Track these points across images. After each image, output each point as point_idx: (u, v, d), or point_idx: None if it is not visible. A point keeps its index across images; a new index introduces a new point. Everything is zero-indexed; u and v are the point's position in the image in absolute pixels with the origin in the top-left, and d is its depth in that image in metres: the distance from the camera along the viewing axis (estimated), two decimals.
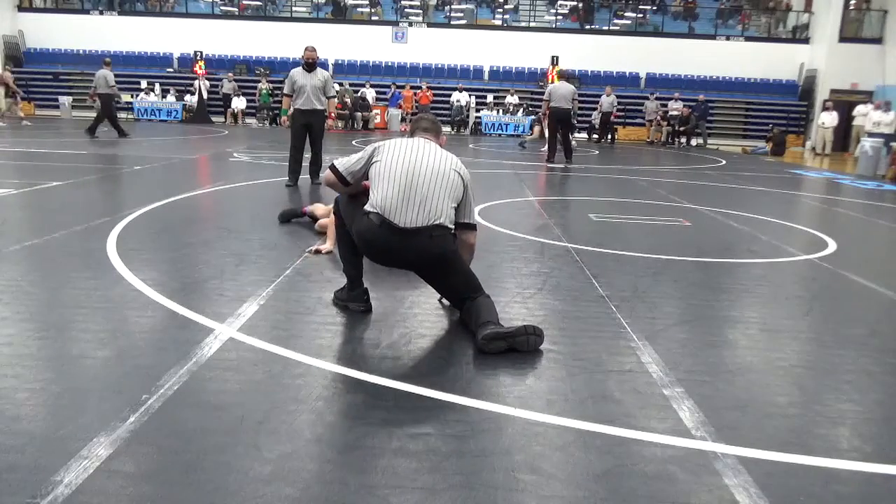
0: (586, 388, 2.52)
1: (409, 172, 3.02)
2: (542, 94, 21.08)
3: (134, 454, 1.91)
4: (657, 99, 20.59)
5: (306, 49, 7.76)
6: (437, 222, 3.00)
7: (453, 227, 3.10)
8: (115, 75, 13.56)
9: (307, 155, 7.87)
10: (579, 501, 1.80)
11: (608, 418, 2.26)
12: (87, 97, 17.76)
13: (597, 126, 19.78)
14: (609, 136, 19.80)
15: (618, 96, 21.93)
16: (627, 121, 21.97)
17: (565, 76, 12.38)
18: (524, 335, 2.80)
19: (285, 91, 7.83)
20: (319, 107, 7.75)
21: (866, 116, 15.72)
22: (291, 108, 7.81)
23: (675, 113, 19.76)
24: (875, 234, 6.74)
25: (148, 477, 1.82)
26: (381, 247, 3.05)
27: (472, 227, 3.27)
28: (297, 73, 7.71)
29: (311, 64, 7.71)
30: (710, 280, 4.39)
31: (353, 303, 3.29)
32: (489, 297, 3.09)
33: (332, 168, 3.23)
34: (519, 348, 2.79)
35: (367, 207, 3.05)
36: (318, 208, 5.23)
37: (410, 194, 2.99)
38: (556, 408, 2.33)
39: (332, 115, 8.52)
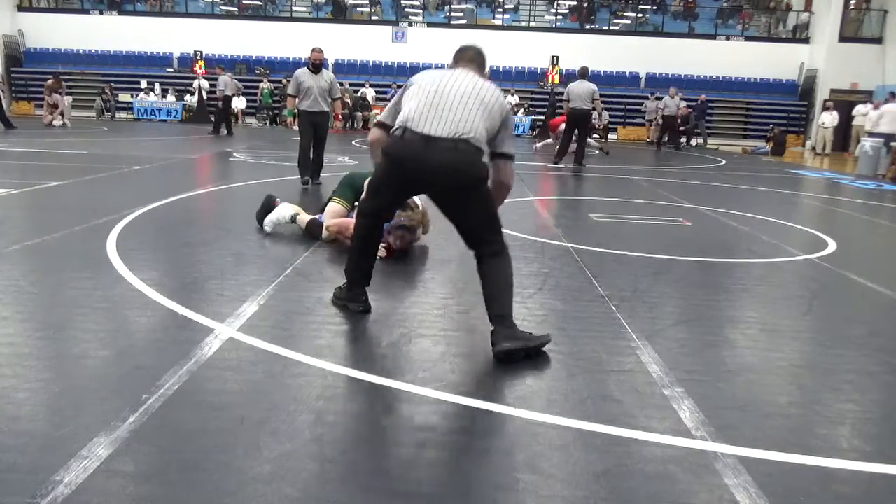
0: (586, 388, 2.52)
1: (440, 88, 2.87)
2: (543, 93, 21.20)
3: (134, 454, 1.91)
4: (657, 99, 20.60)
5: (313, 50, 7.74)
6: (465, 136, 2.77)
7: (485, 151, 2.88)
8: (116, 75, 13.60)
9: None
10: (579, 501, 1.80)
11: (608, 418, 2.26)
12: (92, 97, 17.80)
13: (652, 128, 19.02)
14: (684, 141, 18.71)
15: (618, 96, 21.97)
16: (627, 121, 21.97)
17: (584, 75, 11.50)
18: (538, 345, 2.78)
19: (290, 92, 7.80)
20: (325, 108, 7.79)
21: (866, 116, 15.71)
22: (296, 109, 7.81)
23: (668, 112, 18.97)
24: (875, 234, 6.74)
25: (148, 477, 1.82)
26: (404, 159, 2.86)
27: (509, 157, 3.01)
28: (303, 74, 7.70)
29: (317, 65, 7.70)
30: (710, 280, 4.39)
31: (353, 303, 3.26)
32: (507, 258, 2.95)
33: (375, 123, 3.17)
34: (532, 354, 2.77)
35: (397, 122, 2.92)
36: (329, 213, 4.86)
37: (438, 102, 2.83)
38: (556, 408, 2.33)
39: (339, 115, 8.54)
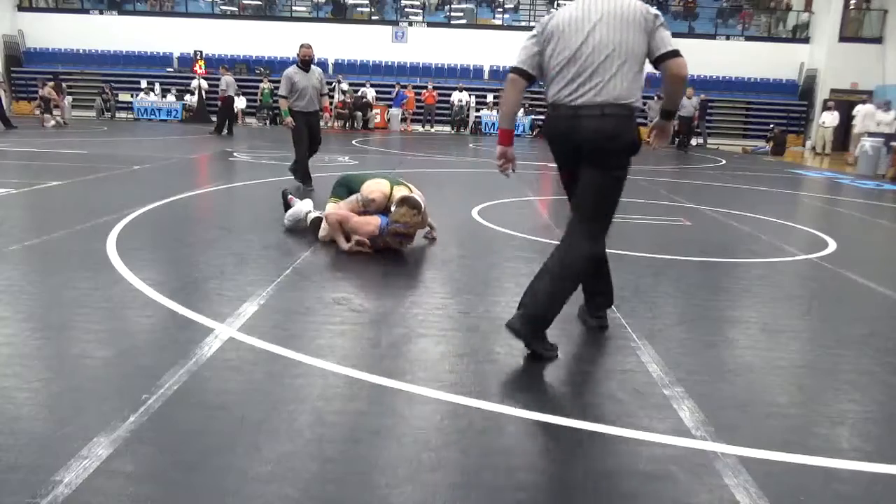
0: (586, 388, 2.51)
1: (576, 54, 2.78)
2: (543, 93, 21.16)
3: (134, 454, 1.91)
4: (660, 99, 20.56)
5: (302, 46, 7.49)
6: (610, 100, 2.75)
7: (634, 111, 2.85)
8: (116, 75, 13.62)
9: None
10: (579, 501, 1.80)
11: (608, 418, 2.26)
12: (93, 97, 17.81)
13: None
14: (696, 141, 18.58)
15: None
16: None
17: None
18: (536, 349, 2.79)
19: (282, 93, 7.51)
20: (318, 107, 7.66)
21: (869, 116, 15.71)
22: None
23: (685, 113, 18.81)
24: (875, 234, 6.74)
25: (148, 477, 1.82)
26: (558, 135, 2.88)
27: (674, 52, 2.85)
28: (295, 73, 7.44)
29: (307, 62, 7.48)
30: (710, 280, 4.38)
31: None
32: (583, 253, 2.89)
33: (512, 69, 2.94)
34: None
35: (548, 101, 2.93)
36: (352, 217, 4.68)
37: (579, 71, 2.78)
38: (556, 408, 2.32)
39: (329, 111, 8.30)
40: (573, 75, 2.80)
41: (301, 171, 7.63)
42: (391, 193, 4.53)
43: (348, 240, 4.42)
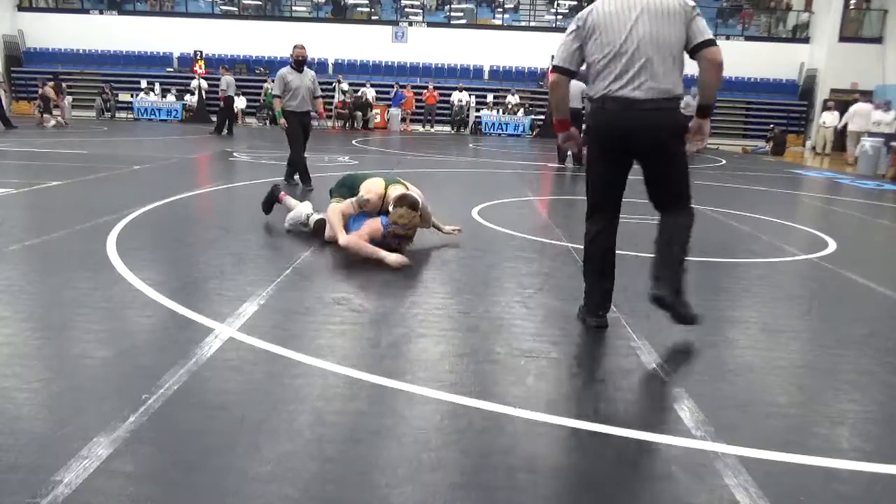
0: (586, 387, 2.52)
1: (622, 48, 2.84)
2: (543, 93, 21.18)
3: (134, 454, 1.91)
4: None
5: (296, 47, 7.54)
6: (663, 95, 2.87)
7: (680, 102, 2.99)
8: (116, 75, 13.61)
9: (281, 154, 7.72)
10: (579, 501, 1.80)
11: (608, 418, 2.26)
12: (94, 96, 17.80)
13: None
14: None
15: None
16: None
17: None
18: (681, 310, 2.97)
19: (276, 92, 7.54)
20: (312, 108, 7.66)
21: (861, 115, 15.71)
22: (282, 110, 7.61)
23: (691, 113, 19.07)
24: (875, 234, 6.74)
25: (148, 477, 1.82)
26: (609, 128, 2.93)
27: (712, 41, 2.92)
28: (289, 73, 7.48)
29: (300, 62, 7.51)
30: (710, 280, 4.38)
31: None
32: (689, 221, 3.13)
33: (554, 69, 3.02)
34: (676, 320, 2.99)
35: (592, 97, 2.97)
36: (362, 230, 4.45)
37: (627, 66, 2.84)
38: (556, 408, 2.33)
39: (322, 113, 8.29)
40: (622, 69, 2.85)
41: (300, 171, 7.63)
42: (386, 193, 4.49)
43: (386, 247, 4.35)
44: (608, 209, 3.15)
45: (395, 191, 4.48)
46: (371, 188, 4.52)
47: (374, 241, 4.30)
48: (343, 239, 4.28)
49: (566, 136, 3.25)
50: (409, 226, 4.26)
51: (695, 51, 2.92)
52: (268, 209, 5.39)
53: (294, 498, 1.75)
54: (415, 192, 4.52)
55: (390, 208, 4.32)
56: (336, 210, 4.47)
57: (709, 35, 2.91)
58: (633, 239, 5.45)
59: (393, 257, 4.14)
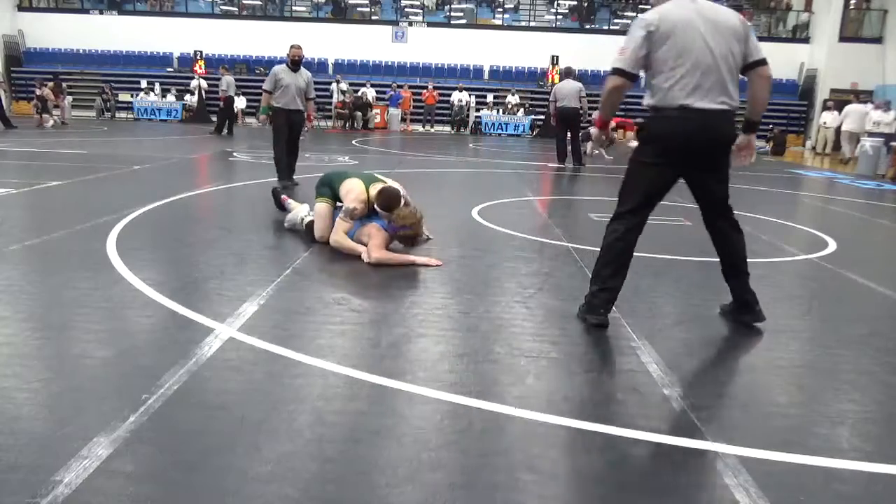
0: (586, 388, 2.51)
1: (696, 59, 2.89)
2: (543, 93, 21.18)
3: (134, 454, 1.91)
4: None
5: (292, 47, 7.56)
6: (732, 107, 2.99)
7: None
8: (116, 75, 13.63)
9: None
10: (579, 501, 1.80)
11: (608, 418, 2.26)
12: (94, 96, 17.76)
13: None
14: None
15: None
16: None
17: (570, 74, 11.33)
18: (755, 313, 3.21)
19: (266, 87, 7.53)
20: (302, 107, 7.64)
21: (856, 114, 15.71)
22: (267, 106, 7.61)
23: None
24: (875, 234, 6.74)
25: (148, 477, 1.82)
26: (679, 136, 2.97)
27: (765, 60, 3.05)
28: (282, 70, 7.51)
29: (296, 62, 7.53)
30: (710, 280, 4.37)
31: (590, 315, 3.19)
32: (743, 236, 3.27)
33: (615, 71, 2.98)
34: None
35: (658, 105, 2.97)
36: (367, 236, 4.36)
37: (702, 78, 2.90)
38: (556, 408, 2.32)
39: (312, 116, 8.28)
40: (699, 81, 2.90)
41: (280, 168, 7.62)
42: (368, 195, 4.41)
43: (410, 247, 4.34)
44: (645, 214, 3.17)
45: (376, 189, 4.41)
46: (354, 196, 4.38)
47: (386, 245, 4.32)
48: (372, 256, 4.17)
49: (599, 135, 3.30)
50: (416, 224, 4.24)
51: (749, 67, 3.02)
52: (281, 207, 5.40)
53: (294, 498, 1.75)
54: (393, 184, 4.51)
55: (376, 206, 4.31)
56: (339, 232, 4.37)
57: (763, 53, 3.02)
58: None
59: (424, 259, 4.22)
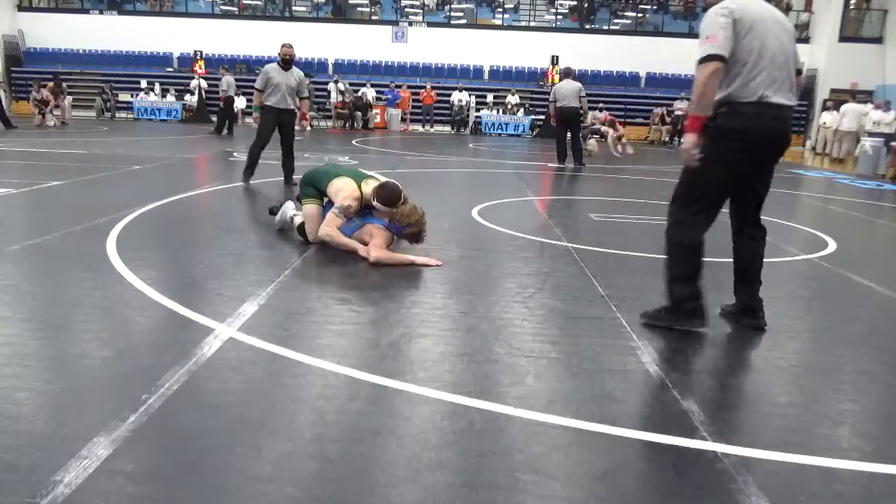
0: (586, 388, 2.51)
1: (774, 54, 2.88)
2: (543, 93, 21.18)
3: (134, 454, 1.91)
4: (687, 100, 20.52)
5: (283, 46, 7.57)
6: (795, 104, 2.99)
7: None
8: (116, 75, 13.64)
9: (275, 153, 7.66)
10: (579, 501, 1.80)
11: (608, 418, 2.26)
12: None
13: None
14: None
15: (618, 96, 21.93)
16: (628, 121, 21.96)
17: (569, 74, 11.37)
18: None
19: (257, 86, 7.58)
20: (293, 106, 7.65)
21: (857, 116, 15.72)
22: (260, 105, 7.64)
23: (679, 112, 19.54)
24: (875, 234, 6.74)
25: (148, 477, 1.82)
26: (759, 132, 2.92)
27: (801, 70, 3.13)
28: (273, 69, 7.53)
29: (288, 61, 7.54)
30: (710, 280, 4.37)
31: (684, 321, 3.15)
32: (764, 244, 3.25)
33: (709, 56, 2.84)
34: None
35: (734, 96, 2.88)
36: (370, 235, 4.36)
37: (777, 73, 2.89)
38: (556, 408, 2.32)
39: (306, 115, 8.28)
40: (775, 76, 2.89)
41: (248, 164, 7.68)
42: (361, 192, 4.38)
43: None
44: (714, 216, 3.09)
45: (368, 186, 4.38)
46: (347, 194, 4.34)
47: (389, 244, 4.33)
48: (372, 255, 4.16)
49: (695, 141, 2.96)
50: (420, 220, 4.25)
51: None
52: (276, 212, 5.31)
53: (294, 498, 1.75)
54: (388, 181, 4.49)
55: (375, 202, 4.29)
56: (331, 226, 4.31)
57: (801, 63, 3.12)
58: (633, 239, 5.45)
59: (424, 259, 4.22)
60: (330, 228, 4.36)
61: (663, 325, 3.16)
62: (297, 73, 7.70)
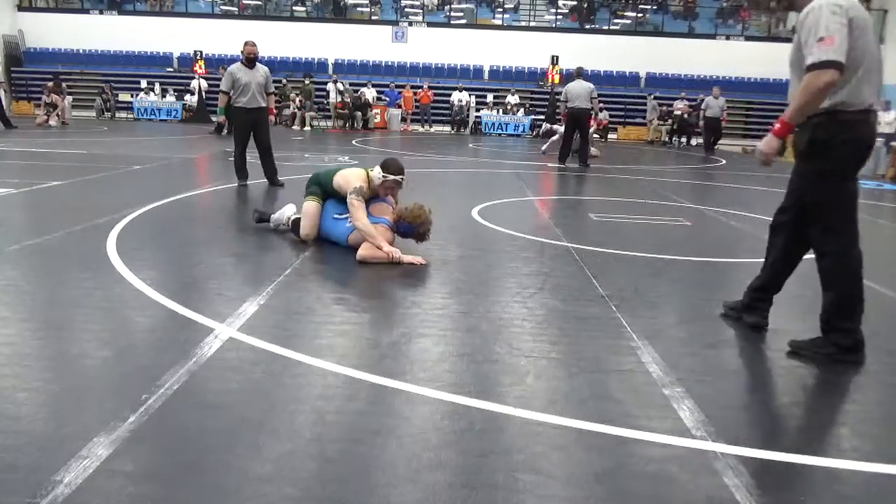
0: (586, 388, 2.51)
1: (879, 60, 2.74)
2: (543, 93, 21.19)
3: (134, 454, 1.91)
4: (655, 98, 20.56)
5: (246, 44, 7.45)
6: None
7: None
8: (116, 75, 13.65)
9: (256, 153, 7.62)
10: (579, 501, 1.80)
11: (608, 418, 2.26)
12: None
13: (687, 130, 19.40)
14: (685, 141, 19.56)
15: (618, 96, 21.93)
16: (627, 121, 21.98)
17: (580, 74, 11.42)
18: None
19: (223, 88, 7.46)
20: (263, 104, 7.57)
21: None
22: (225, 106, 7.59)
23: (677, 112, 19.61)
24: (875, 234, 6.74)
25: (148, 477, 1.82)
26: (867, 141, 2.85)
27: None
28: (238, 69, 7.41)
29: (252, 60, 7.44)
30: (710, 280, 4.38)
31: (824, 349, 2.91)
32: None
33: (826, 64, 2.53)
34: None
35: (844, 104, 2.67)
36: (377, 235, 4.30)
37: (878, 78, 2.78)
38: (556, 408, 2.33)
39: (273, 111, 8.12)
40: (875, 83, 2.74)
41: (237, 167, 7.61)
42: (369, 177, 4.46)
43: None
44: (857, 227, 2.91)
45: (374, 171, 4.47)
46: (355, 177, 4.44)
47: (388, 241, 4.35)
48: (359, 253, 4.21)
49: (777, 148, 2.89)
50: (428, 218, 4.35)
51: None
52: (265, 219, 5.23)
53: (294, 498, 1.75)
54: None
55: (383, 175, 4.39)
56: (361, 217, 4.27)
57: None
58: (633, 239, 5.45)
59: (410, 257, 4.23)
60: (361, 222, 4.27)
61: (823, 355, 2.88)
62: (262, 69, 7.59)
